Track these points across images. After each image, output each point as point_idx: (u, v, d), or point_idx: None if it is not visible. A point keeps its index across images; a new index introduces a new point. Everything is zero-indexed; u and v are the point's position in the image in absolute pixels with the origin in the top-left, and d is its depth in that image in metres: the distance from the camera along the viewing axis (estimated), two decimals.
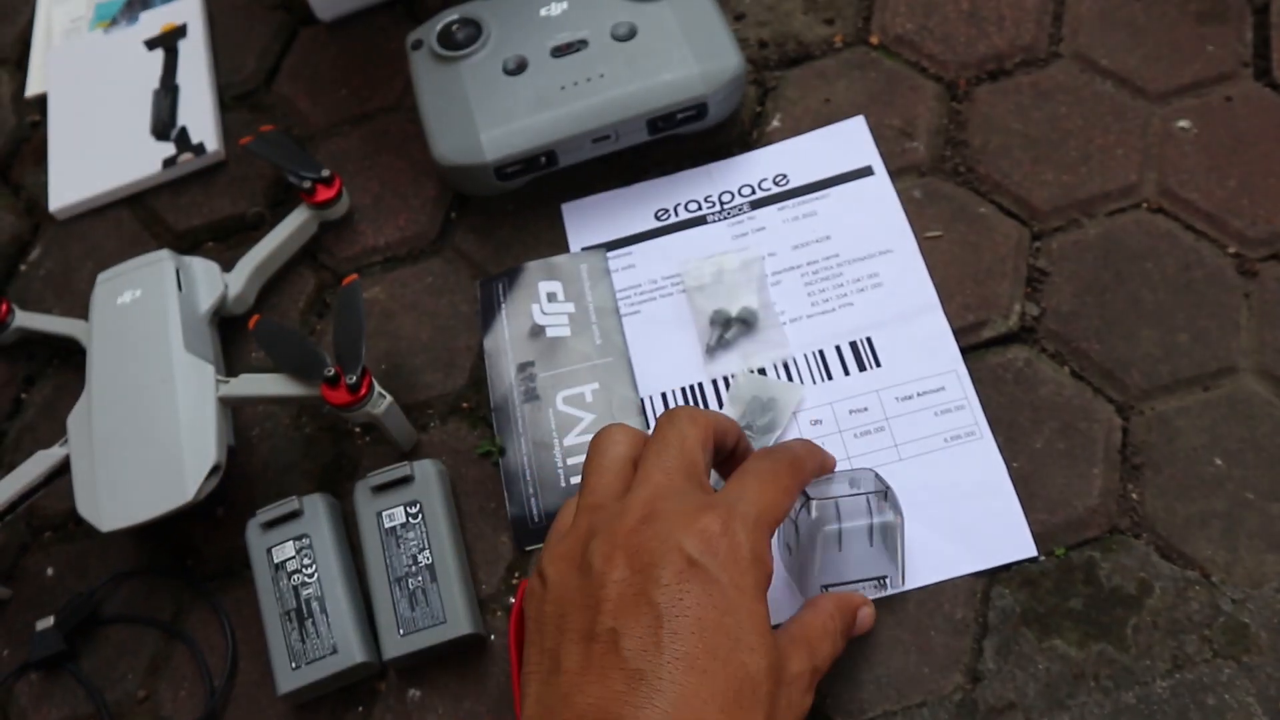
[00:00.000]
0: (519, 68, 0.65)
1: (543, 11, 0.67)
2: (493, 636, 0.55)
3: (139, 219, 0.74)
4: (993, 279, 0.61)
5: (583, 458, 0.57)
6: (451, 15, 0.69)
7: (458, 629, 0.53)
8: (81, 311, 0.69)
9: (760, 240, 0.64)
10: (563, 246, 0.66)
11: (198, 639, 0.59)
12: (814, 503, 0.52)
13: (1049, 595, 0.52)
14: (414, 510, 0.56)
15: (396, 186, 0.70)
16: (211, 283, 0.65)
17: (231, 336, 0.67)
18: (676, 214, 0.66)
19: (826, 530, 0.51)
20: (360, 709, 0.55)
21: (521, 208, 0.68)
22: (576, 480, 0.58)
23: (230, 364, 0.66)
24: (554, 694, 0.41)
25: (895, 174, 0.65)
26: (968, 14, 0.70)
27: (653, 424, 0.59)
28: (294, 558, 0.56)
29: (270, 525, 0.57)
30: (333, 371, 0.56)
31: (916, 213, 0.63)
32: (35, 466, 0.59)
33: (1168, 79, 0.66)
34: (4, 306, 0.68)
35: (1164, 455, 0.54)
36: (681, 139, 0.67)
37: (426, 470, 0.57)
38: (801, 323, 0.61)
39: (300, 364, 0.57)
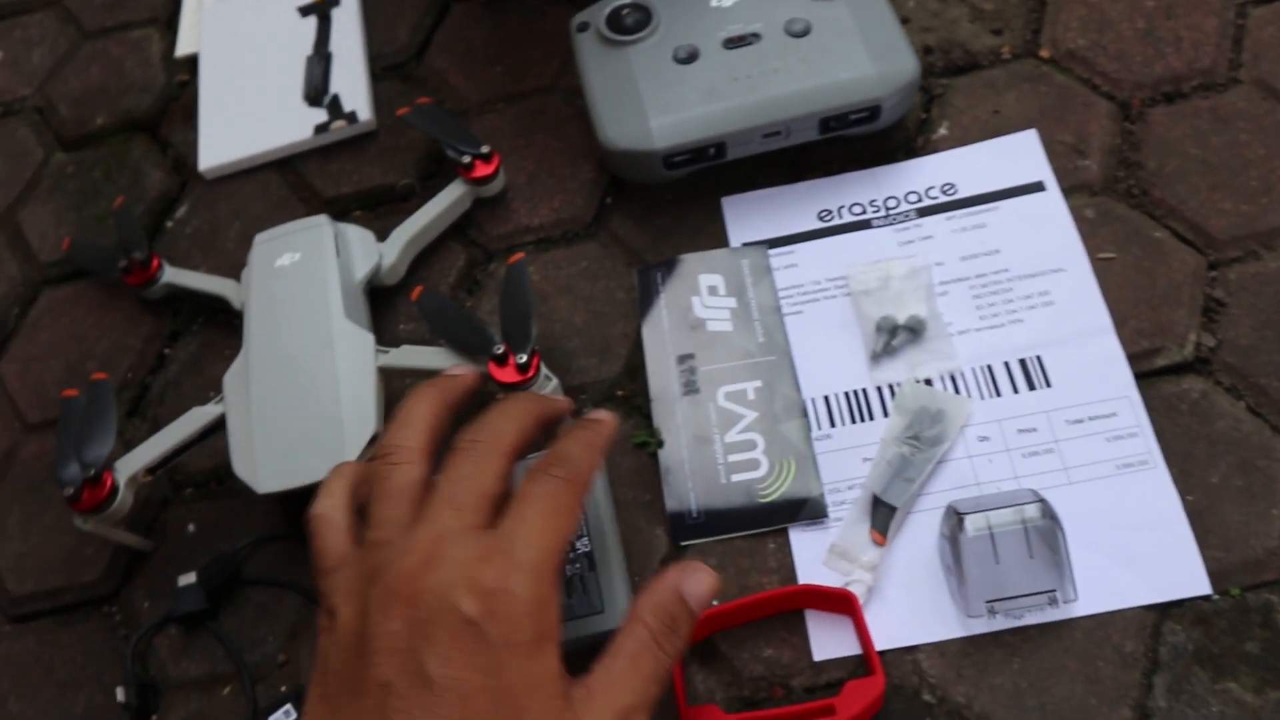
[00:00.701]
0: (690, 57, 0.64)
1: (713, 2, 0.66)
2: None
3: (287, 183, 0.74)
4: (1167, 306, 0.59)
5: (744, 455, 0.57)
6: (620, 0, 0.68)
7: (616, 620, 0.52)
8: (228, 270, 0.69)
9: (927, 249, 0.62)
10: (721, 240, 0.65)
11: None
12: (966, 518, 0.52)
13: (1223, 636, 0.51)
14: None
15: (552, 167, 0.70)
16: (366, 251, 0.65)
17: (379, 307, 0.67)
18: (840, 216, 0.65)
19: (976, 536, 0.50)
20: None
21: (680, 198, 0.67)
22: (737, 477, 0.57)
23: (378, 335, 0.65)
24: None
25: (1067, 192, 0.63)
26: (1143, 33, 0.69)
27: (814, 428, 0.58)
28: None
29: None
30: (501, 349, 0.55)
31: (1089, 232, 0.62)
32: (190, 423, 0.59)
33: None
34: (155, 261, 0.68)
35: None
36: (847, 141, 0.66)
37: None
38: (969, 335, 0.59)
39: (467, 340, 0.57)
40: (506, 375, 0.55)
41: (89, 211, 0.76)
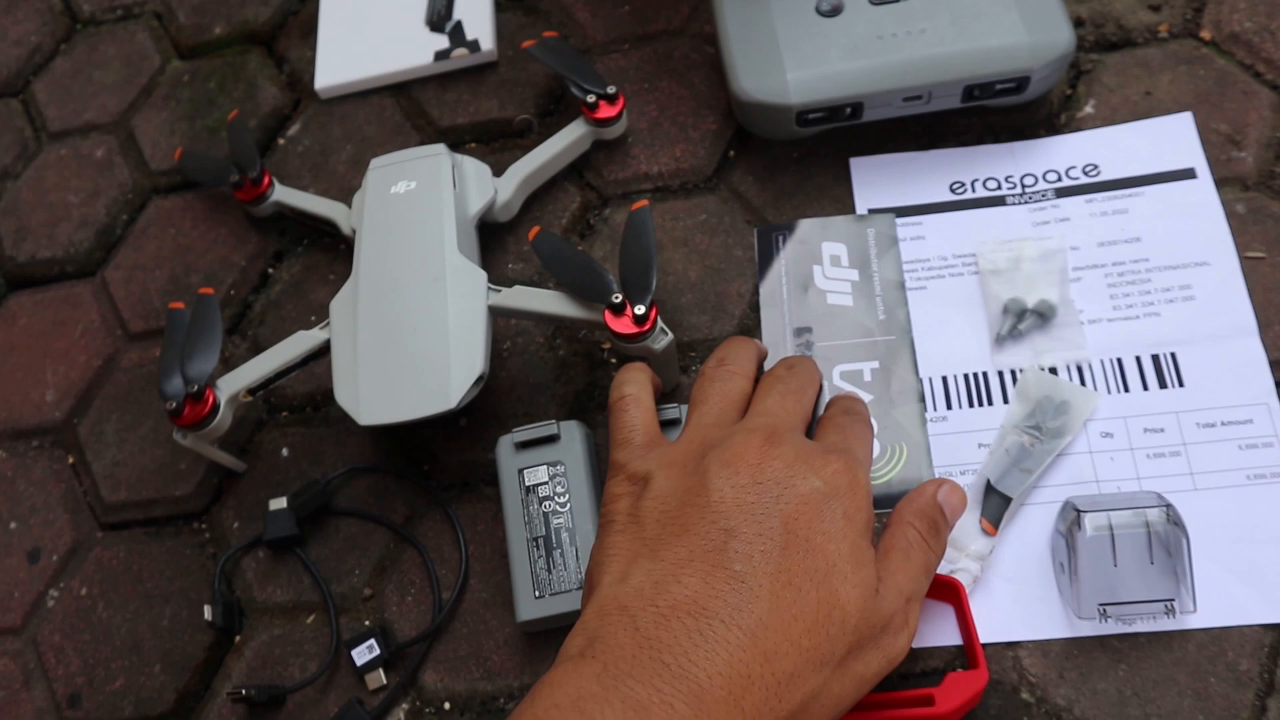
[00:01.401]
0: (834, 10, 0.61)
1: None
2: None
3: (402, 109, 0.72)
4: None
5: None
6: None
7: None
8: (337, 193, 0.68)
9: (1063, 231, 0.60)
10: (845, 205, 0.63)
11: (428, 547, 0.58)
12: (1086, 516, 0.50)
13: None
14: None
15: (676, 115, 0.68)
16: (482, 186, 0.63)
17: (488, 244, 0.65)
18: (973, 189, 0.62)
19: (1095, 535, 0.48)
20: None
21: (806, 156, 0.65)
22: None
23: (487, 273, 0.64)
24: (646, 578, 0.42)
25: (1218, 183, 0.60)
26: None
27: (929, 408, 0.56)
28: (546, 483, 0.54)
29: (525, 446, 0.55)
30: (619, 299, 0.53)
31: (1238, 228, 0.59)
32: (295, 346, 0.58)
33: None
34: (266, 179, 0.67)
35: None
36: (987, 110, 0.63)
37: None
38: (1101, 325, 0.57)
39: (583, 285, 0.55)
40: (622, 326, 0.53)
41: (202, 122, 0.75)
